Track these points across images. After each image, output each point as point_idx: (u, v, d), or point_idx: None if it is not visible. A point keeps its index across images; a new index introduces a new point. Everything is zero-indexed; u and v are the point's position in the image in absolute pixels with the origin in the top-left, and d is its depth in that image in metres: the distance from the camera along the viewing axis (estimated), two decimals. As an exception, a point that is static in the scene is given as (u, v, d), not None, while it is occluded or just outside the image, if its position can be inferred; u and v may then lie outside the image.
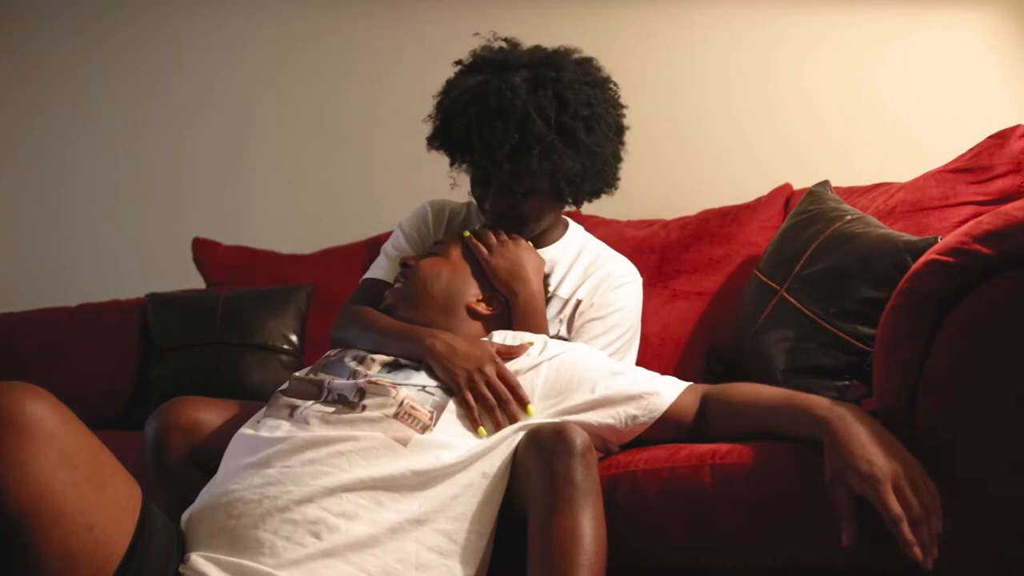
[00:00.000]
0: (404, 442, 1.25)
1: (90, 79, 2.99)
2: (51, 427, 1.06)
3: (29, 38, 3.02)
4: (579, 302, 1.65)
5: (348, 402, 1.32)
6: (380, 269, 1.72)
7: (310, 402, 1.34)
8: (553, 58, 1.61)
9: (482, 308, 1.55)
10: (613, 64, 2.55)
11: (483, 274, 1.58)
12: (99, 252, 2.94)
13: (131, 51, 2.96)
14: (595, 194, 1.68)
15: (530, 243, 1.65)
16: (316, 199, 2.78)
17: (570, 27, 2.59)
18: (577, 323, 1.64)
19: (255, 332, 2.26)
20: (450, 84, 1.66)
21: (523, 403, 1.37)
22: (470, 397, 1.35)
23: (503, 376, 1.38)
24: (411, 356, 1.44)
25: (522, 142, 1.52)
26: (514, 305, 1.56)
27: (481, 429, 1.34)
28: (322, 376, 1.41)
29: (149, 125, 2.94)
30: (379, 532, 1.19)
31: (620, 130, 1.67)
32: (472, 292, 1.56)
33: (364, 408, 1.30)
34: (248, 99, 2.83)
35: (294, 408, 1.34)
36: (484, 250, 1.58)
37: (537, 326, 1.56)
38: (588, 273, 1.69)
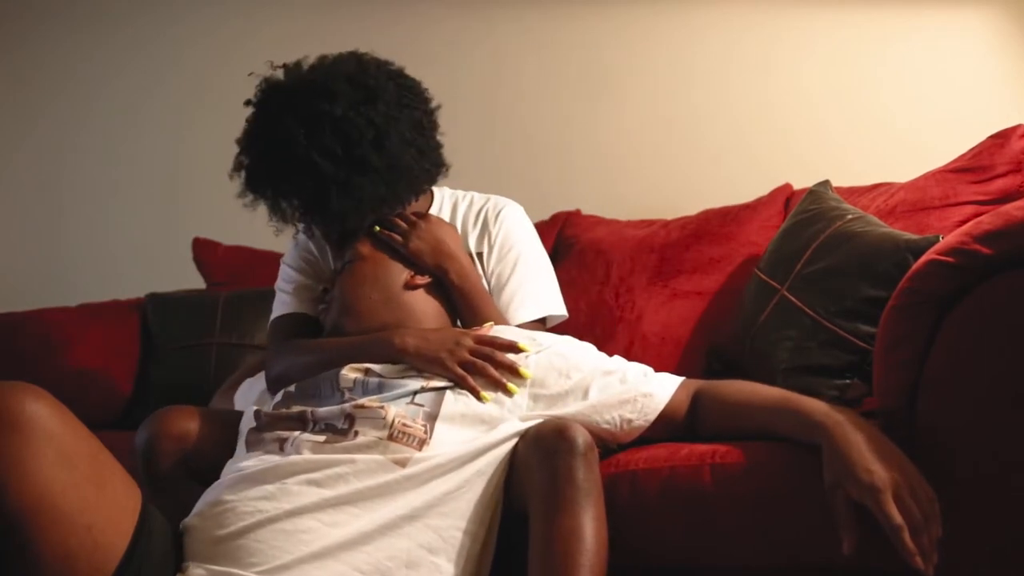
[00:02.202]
0: (403, 463, 1.24)
1: (90, 79, 2.98)
2: (51, 427, 1.06)
3: (29, 38, 3.02)
4: (480, 255, 1.66)
5: (338, 430, 1.30)
6: (285, 305, 1.67)
7: (297, 432, 1.32)
8: (321, 85, 1.53)
9: (418, 280, 1.54)
10: (613, 64, 2.57)
11: (402, 257, 1.56)
12: (99, 252, 2.94)
13: (131, 51, 2.96)
14: (421, 182, 1.62)
15: (438, 216, 1.65)
16: (316, 199, 2.78)
17: (570, 27, 2.59)
18: (492, 282, 1.63)
19: (255, 332, 2.27)
20: (245, 131, 1.63)
21: (511, 350, 1.38)
22: (459, 370, 1.35)
23: (481, 339, 1.40)
24: (384, 360, 1.42)
25: (318, 187, 1.50)
26: (449, 284, 1.55)
27: (484, 395, 1.33)
28: (299, 407, 1.37)
29: (149, 125, 2.94)
30: (372, 529, 1.20)
31: (418, 124, 1.59)
32: (402, 275, 1.54)
33: (356, 434, 1.28)
34: (248, 99, 2.83)
35: (283, 441, 1.31)
36: (399, 237, 1.56)
37: (481, 301, 1.55)
38: (468, 220, 1.69)
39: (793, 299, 1.54)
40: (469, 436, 1.30)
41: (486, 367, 1.36)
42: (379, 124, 1.52)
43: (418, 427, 1.29)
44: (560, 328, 1.73)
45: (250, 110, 1.64)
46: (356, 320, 1.51)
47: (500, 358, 1.37)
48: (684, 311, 1.95)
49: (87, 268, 2.93)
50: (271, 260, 2.49)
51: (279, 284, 1.72)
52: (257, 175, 1.58)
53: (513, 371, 1.36)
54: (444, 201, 1.75)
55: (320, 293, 1.65)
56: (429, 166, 1.61)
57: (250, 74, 1.61)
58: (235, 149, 1.58)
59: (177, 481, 1.43)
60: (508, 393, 1.35)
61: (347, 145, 1.50)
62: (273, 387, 1.52)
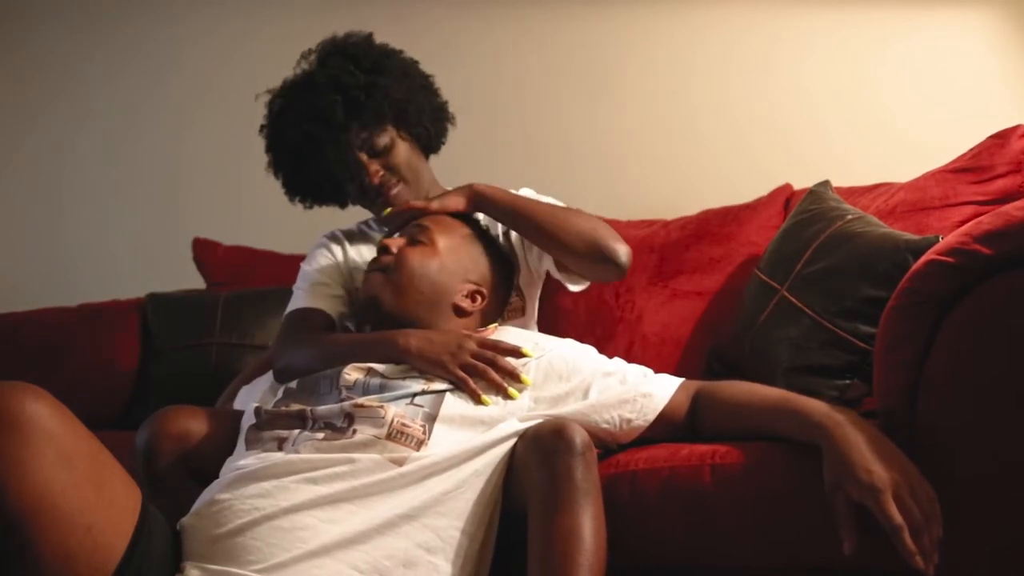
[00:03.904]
0: (400, 463, 1.24)
1: (90, 79, 2.98)
2: (51, 427, 1.06)
3: (29, 38, 3.02)
4: (507, 232, 1.73)
5: (336, 428, 1.30)
6: (299, 300, 1.67)
7: (296, 431, 1.32)
8: (324, 46, 1.74)
9: (467, 304, 1.52)
10: (614, 64, 2.57)
11: (469, 264, 1.54)
12: (99, 252, 2.94)
13: (131, 51, 2.96)
14: (437, 120, 1.77)
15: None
16: (316, 199, 2.78)
17: (570, 27, 2.59)
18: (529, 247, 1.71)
19: (255, 332, 2.27)
20: (268, 135, 1.76)
21: (513, 354, 1.38)
22: (461, 373, 1.35)
23: (484, 343, 1.40)
24: (387, 360, 1.42)
25: (346, 97, 1.64)
26: (494, 202, 1.60)
27: (485, 398, 1.33)
28: (296, 406, 1.37)
29: (149, 125, 2.93)
30: (369, 528, 1.19)
31: (415, 64, 1.78)
32: (458, 287, 1.52)
33: (355, 432, 1.28)
34: (248, 99, 2.82)
35: (282, 440, 1.31)
36: (420, 203, 1.60)
37: (527, 200, 1.62)
38: None
39: (793, 299, 1.54)
40: (468, 437, 1.30)
41: (487, 371, 1.36)
42: (380, 46, 1.74)
43: (417, 427, 1.29)
44: (560, 329, 1.73)
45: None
46: (396, 303, 1.49)
47: (502, 363, 1.37)
48: (684, 311, 1.95)
49: (87, 268, 2.92)
50: (271, 260, 2.50)
51: (296, 284, 1.73)
52: (291, 124, 1.68)
53: (514, 376, 1.36)
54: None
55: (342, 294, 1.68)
56: (442, 104, 1.78)
57: (257, 96, 1.79)
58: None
59: (177, 481, 1.43)
60: (509, 398, 1.35)
61: (356, 60, 1.68)
62: (279, 379, 1.53)
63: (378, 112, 1.65)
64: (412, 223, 1.57)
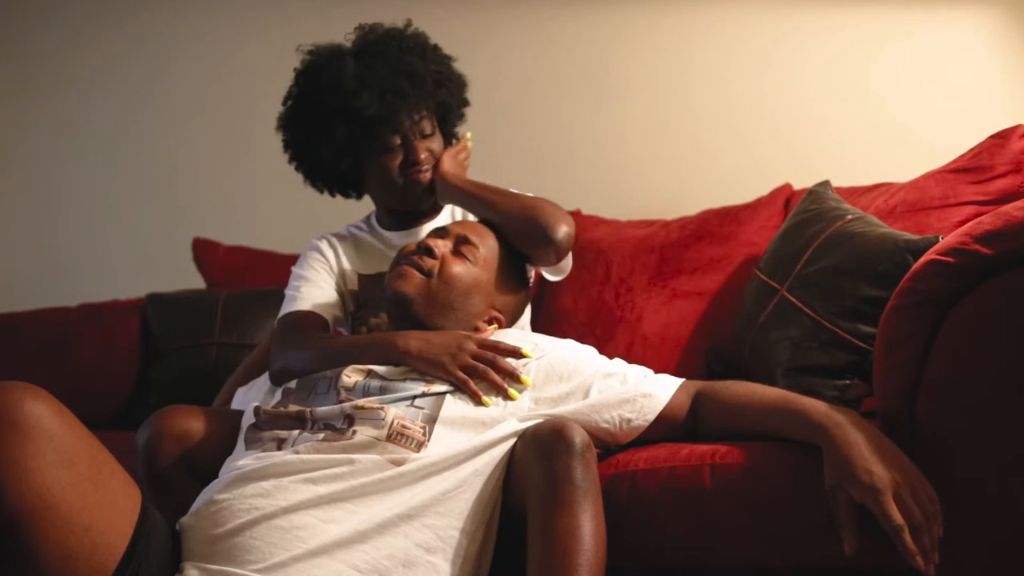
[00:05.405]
0: (400, 463, 1.24)
1: (90, 79, 2.98)
2: (50, 427, 1.06)
3: (29, 38, 3.02)
4: None
5: (336, 429, 1.30)
6: (293, 302, 1.67)
7: (296, 431, 1.32)
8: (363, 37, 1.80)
9: (484, 327, 1.52)
10: (613, 64, 2.57)
11: (499, 292, 1.55)
12: (99, 252, 2.94)
13: (131, 51, 2.96)
14: (454, 135, 1.87)
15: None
16: (316, 199, 2.78)
17: (570, 27, 2.60)
18: None
19: (255, 332, 2.27)
20: (295, 112, 1.80)
21: (513, 355, 1.39)
22: (461, 374, 1.35)
23: (483, 344, 1.40)
24: (386, 362, 1.42)
25: (435, 67, 1.75)
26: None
27: (485, 399, 1.33)
28: (295, 407, 1.37)
29: (149, 125, 2.94)
30: (369, 528, 1.19)
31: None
32: (484, 312, 1.53)
33: (354, 434, 1.28)
34: (248, 99, 2.83)
35: (282, 441, 1.31)
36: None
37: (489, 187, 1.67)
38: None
39: (793, 299, 1.54)
40: (467, 438, 1.30)
41: (488, 372, 1.36)
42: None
43: (417, 429, 1.29)
44: (561, 329, 1.73)
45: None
46: (427, 311, 1.49)
47: (502, 363, 1.37)
48: (684, 311, 1.95)
49: (87, 268, 2.93)
50: (271, 260, 2.50)
51: (288, 287, 1.73)
52: (373, 60, 1.72)
53: (514, 377, 1.37)
54: (456, 208, 1.83)
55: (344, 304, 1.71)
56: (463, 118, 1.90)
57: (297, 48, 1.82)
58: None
59: (178, 481, 1.43)
60: (509, 399, 1.35)
61: (419, 53, 1.77)
62: (275, 381, 1.52)
63: (452, 95, 1.78)
64: (458, 233, 1.55)
